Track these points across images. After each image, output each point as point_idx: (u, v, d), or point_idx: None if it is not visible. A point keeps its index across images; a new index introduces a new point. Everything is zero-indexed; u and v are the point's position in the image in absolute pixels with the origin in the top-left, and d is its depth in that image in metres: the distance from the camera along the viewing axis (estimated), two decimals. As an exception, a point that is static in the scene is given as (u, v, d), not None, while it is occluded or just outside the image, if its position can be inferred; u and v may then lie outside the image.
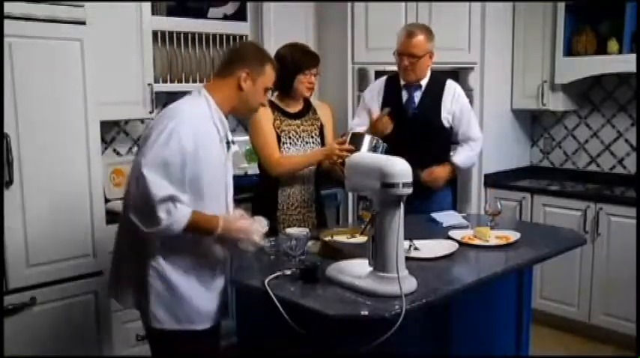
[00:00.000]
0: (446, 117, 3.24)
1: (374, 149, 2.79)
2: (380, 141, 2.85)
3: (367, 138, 2.80)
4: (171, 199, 2.02)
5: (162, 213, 2.00)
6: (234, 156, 2.32)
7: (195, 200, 2.10)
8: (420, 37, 3.11)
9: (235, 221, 2.14)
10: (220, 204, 2.23)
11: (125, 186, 2.14)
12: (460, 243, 2.55)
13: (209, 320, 2.18)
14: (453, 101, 3.24)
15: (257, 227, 2.16)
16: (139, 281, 2.18)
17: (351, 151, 2.71)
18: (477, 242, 2.60)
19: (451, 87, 3.27)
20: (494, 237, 2.65)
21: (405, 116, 3.22)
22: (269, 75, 2.26)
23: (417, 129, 3.19)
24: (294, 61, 2.91)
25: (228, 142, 2.25)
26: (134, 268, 2.21)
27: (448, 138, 3.33)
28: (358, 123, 3.34)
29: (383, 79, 3.37)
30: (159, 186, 2.00)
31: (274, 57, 2.95)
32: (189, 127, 2.08)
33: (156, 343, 2.26)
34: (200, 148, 2.09)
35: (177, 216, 2.02)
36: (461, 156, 3.28)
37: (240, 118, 4.40)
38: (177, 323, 2.14)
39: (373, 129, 3.09)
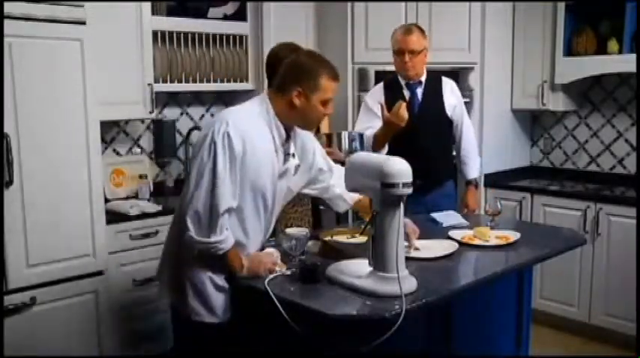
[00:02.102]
0: (448, 110, 3.35)
1: (352, 141, 2.81)
2: (354, 132, 2.87)
3: (344, 134, 2.82)
4: (228, 212, 2.09)
5: (219, 226, 2.07)
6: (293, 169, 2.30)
7: (240, 204, 2.15)
8: (417, 33, 3.21)
9: (259, 264, 2.18)
10: (261, 213, 2.24)
11: (187, 190, 2.12)
12: (460, 243, 2.55)
13: (228, 311, 2.24)
14: (452, 94, 3.38)
15: (276, 260, 2.21)
16: (179, 281, 2.24)
17: (333, 152, 2.76)
18: (477, 242, 2.60)
19: (447, 81, 3.41)
20: (494, 237, 2.65)
21: (411, 113, 3.26)
22: (325, 87, 2.15)
23: (425, 125, 3.28)
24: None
25: (287, 154, 2.25)
26: (175, 267, 2.27)
27: (451, 132, 3.45)
28: (367, 129, 3.38)
29: (380, 84, 3.43)
30: (227, 194, 2.06)
31: (268, 54, 2.94)
32: (239, 129, 2.08)
33: (188, 334, 2.29)
34: (249, 151, 2.10)
35: (226, 234, 2.10)
36: (472, 169, 3.48)
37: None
38: (213, 316, 2.20)
39: (387, 124, 3.05)
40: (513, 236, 2.64)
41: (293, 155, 2.29)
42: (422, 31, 3.24)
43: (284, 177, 2.27)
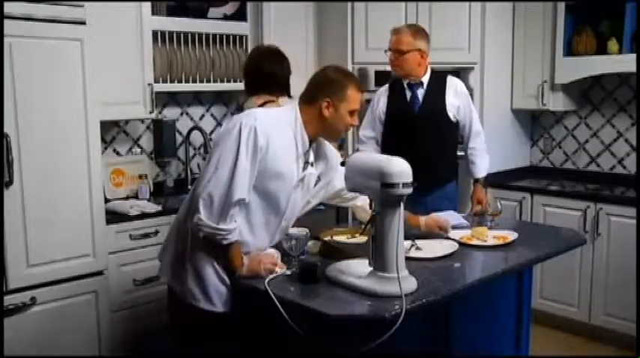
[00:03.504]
0: (450, 111, 3.32)
1: None
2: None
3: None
4: (239, 204, 2.13)
5: (229, 215, 2.11)
6: (310, 178, 2.33)
7: (251, 200, 2.18)
8: (405, 34, 3.22)
9: (259, 263, 2.18)
10: (271, 215, 2.27)
11: (205, 173, 2.17)
12: (458, 243, 2.55)
13: (229, 303, 2.26)
14: (456, 95, 3.34)
15: (276, 260, 2.22)
16: (180, 262, 2.29)
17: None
18: (475, 242, 2.61)
19: (452, 81, 3.37)
20: (491, 236, 2.65)
21: (411, 114, 3.30)
22: (352, 98, 2.24)
23: (424, 125, 3.28)
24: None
25: (306, 162, 2.29)
26: (179, 248, 2.32)
27: (454, 133, 3.41)
28: (367, 135, 3.46)
29: (386, 85, 3.48)
30: (243, 185, 2.11)
31: (248, 58, 3.04)
32: (265, 128, 2.14)
33: (184, 318, 2.33)
34: (270, 151, 2.15)
35: (234, 226, 2.14)
36: (480, 168, 3.41)
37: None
38: (210, 303, 2.24)
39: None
40: (511, 236, 2.64)
41: (312, 164, 2.32)
42: (416, 31, 3.24)
43: (301, 184, 2.30)
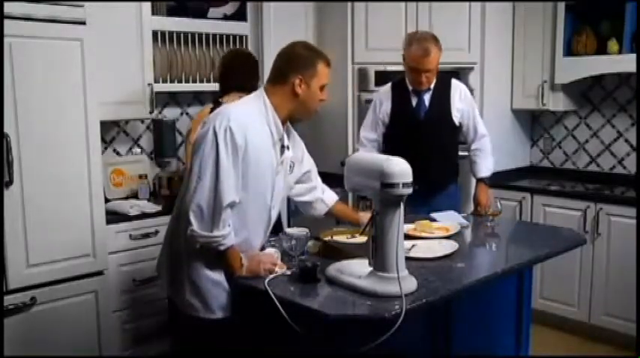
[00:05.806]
0: (456, 116, 3.32)
1: None
2: None
3: None
4: (230, 207, 2.12)
5: (221, 220, 2.10)
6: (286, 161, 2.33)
7: (241, 199, 2.17)
8: (434, 51, 3.09)
9: (259, 264, 2.17)
10: (262, 208, 2.27)
11: (186, 185, 2.20)
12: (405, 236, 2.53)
13: (228, 307, 2.26)
14: (461, 99, 3.32)
15: (276, 260, 2.22)
16: (176, 275, 2.29)
17: None
18: (423, 234, 2.65)
19: (457, 86, 3.35)
20: (435, 228, 2.71)
21: (417, 120, 3.28)
22: (323, 73, 2.22)
23: (429, 130, 3.26)
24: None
25: (282, 146, 2.27)
26: (173, 262, 2.32)
27: (456, 135, 3.42)
28: (368, 137, 3.43)
29: (388, 86, 3.41)
30: (230, 188, 2.09)
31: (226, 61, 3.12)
32: (240, 124, 2.12)
33: (185, 329, 2.35)
34: (250, 146, 2.14)
35: (229, 230, 2.13)
36: (482, 168, 3.40)
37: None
38: (210, 312, 2.24)
39: None
40: (453, 228, 2.70)
41: (287, 147, 2.31)
42: (437, 43, 3.11)
43: (281, 170, 2.30)
